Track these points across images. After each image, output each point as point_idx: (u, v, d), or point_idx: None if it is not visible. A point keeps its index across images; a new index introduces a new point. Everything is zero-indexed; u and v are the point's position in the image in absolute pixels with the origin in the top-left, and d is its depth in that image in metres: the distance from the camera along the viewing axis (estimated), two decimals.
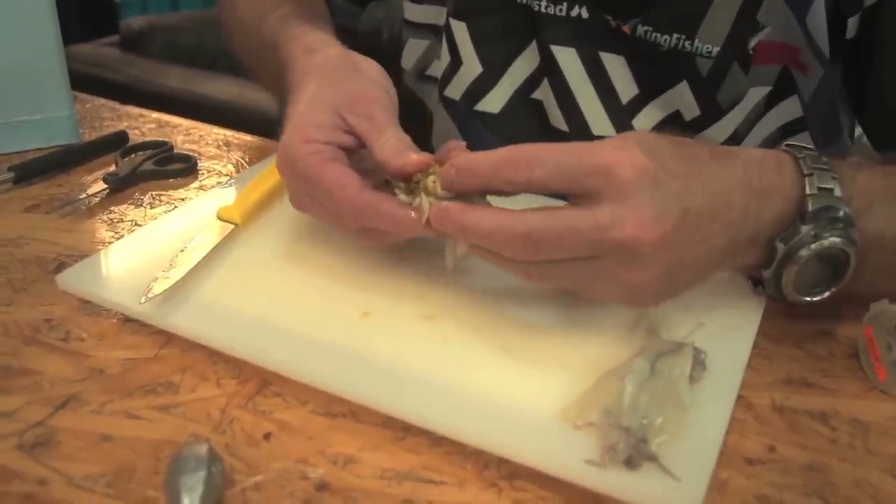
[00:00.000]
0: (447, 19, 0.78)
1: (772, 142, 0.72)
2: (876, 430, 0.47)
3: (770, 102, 0.71)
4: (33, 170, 0.73)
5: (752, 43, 0.67)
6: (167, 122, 0.87)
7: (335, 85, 0.56)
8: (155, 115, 0.88)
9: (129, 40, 2.56)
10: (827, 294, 0.52)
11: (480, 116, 0.79)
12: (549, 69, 0.74)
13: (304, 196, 0.55)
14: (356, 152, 0.55)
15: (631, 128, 0.72)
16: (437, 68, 0.82)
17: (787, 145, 0.52)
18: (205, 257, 0.56)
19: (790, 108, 0.71)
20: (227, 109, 2.08)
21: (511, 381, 0.47)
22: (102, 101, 0.92)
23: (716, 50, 0.68)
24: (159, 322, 0.52)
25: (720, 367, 0.48)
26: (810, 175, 0.50)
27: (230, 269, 0.57)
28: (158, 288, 0.52)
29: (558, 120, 0.74)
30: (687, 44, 0.68)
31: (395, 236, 0.53)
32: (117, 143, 0.79)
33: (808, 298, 0.52)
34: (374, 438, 0.45)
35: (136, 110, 0.89)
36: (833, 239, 0.49)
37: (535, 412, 0.44)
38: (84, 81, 1.96)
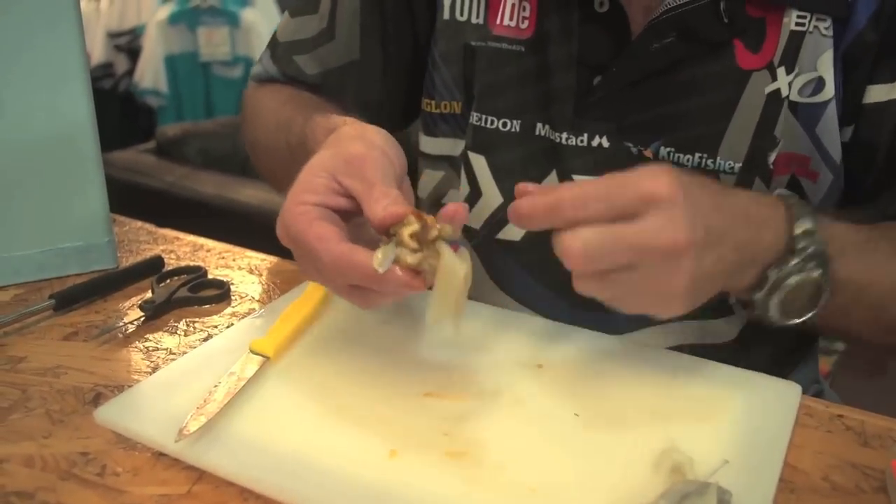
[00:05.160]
0: (465, 151, 0.80)
1: None
2: None
3: None
4: (73, 297, 0.76)
5: (772, 157, 0.69)
6: (201, 245, 0.90)
7: (334, 151, 0.57)
8: (190, 238, 0.92)
9: (164, 146, 2.66)
10: (802, 319, 0.61)
11: (502, 245, 0.80)
12: None
13: (305, 261, 0.56)
14: (356, 218, 0.56)
15: None
16: (454, 197, 0.83)
17: (778, 193, 0.61)
18: (238, 392, 0.57)
19: None
20: (258, 214, 2.14)
21: None
22: (139, 223, 0.95)
23: (737, 166, 0.70)
24: (193, 460, 0.53)
25: None
26: (799, 218, 0.59)
27: (262, 404, 0.58)
28: (192, 426, 0.53)
29: None
30: (710, 162, 0.70)
31: (378, 295, 0.55)
32: (153, 268, 0.82)
33: (788, 322, 0.61)
34: None
35: (171, 233, 0.93)
36: (814, 273, 0.58)
37: None
38: (121, 187, 2.03)
